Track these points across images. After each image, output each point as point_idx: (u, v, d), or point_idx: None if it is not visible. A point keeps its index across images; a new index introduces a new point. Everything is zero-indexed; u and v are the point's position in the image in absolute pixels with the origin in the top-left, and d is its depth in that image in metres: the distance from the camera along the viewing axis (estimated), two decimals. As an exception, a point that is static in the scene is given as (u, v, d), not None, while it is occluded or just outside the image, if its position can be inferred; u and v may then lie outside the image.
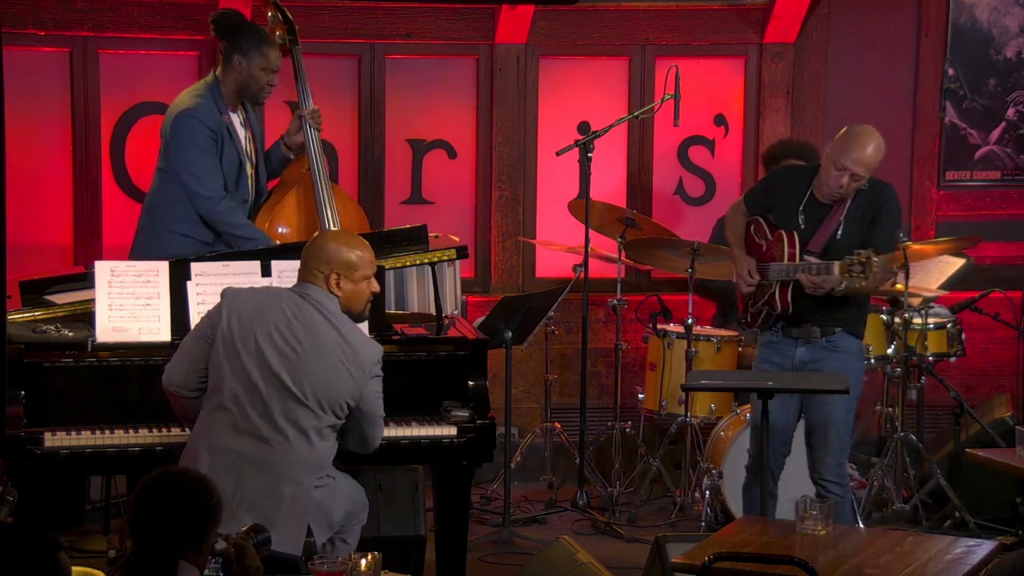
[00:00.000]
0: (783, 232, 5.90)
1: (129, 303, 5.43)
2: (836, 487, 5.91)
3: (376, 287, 5.17)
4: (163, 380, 5.09)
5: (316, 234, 5.21)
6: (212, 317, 5.03)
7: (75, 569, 4.66)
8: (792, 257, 5.86)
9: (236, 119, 6.44)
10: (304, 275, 5.07)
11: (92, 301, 5.46)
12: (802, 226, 5.89)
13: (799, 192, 5.94)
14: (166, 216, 6.38)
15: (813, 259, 5.81)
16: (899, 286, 7.01)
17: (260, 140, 6.61)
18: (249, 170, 6.48)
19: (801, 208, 5.91)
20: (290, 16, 6.58)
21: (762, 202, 6.05)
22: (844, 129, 5.88)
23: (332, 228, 6.43)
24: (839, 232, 5.86)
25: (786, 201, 5.96)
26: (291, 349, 4.92)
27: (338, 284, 5.03)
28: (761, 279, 5.93)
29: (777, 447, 5.91)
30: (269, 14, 6.61)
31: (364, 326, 5.39)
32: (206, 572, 3.68)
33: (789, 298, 5.86)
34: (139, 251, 6.41)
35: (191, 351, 5.04)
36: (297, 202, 6.57)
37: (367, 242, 5.17)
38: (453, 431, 5.47)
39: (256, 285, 5.41)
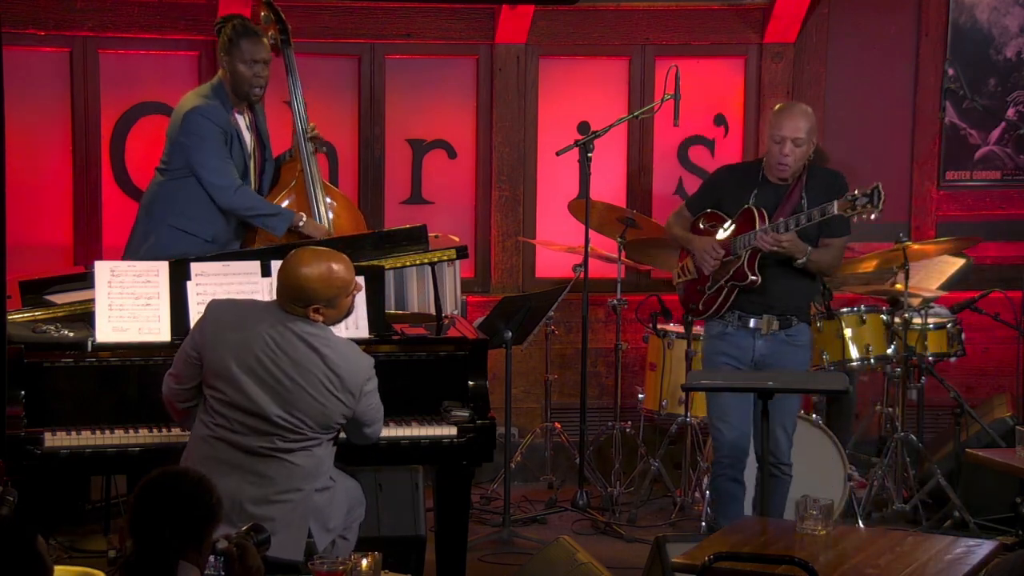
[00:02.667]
0: (750, 207, 5.97)
1: (129, 303, 5.42)
2: (790, 468, 6.08)
3: (360, 286, 5.10)
4: (163, 391, 5.05)
5: (287, 258, 5.01)
6: (195, 338, 4.93)
7: (75, 569, 4.68)
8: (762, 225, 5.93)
9: (242, 122, 6.47)
10: (282, 304, 4.89)
11: (92, 301, 5.45)
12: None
13: (748, 180, 6.06)
14: (163, 212, 6.42)
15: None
16: (899, 286, 7.01)
17: (266, 142, 6.62)
18: (252, 173, 6.51)
19: (754, 192, 6.00)
20: (283, 16, 6.60)
21: (705, 203, 6.17)
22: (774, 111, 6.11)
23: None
24: (804, 203, 5.95)
25: (735, 190, 6.07)
26: (278, 383, 4.83)
27: (319, 313, 4.87)
28: (727, 255, 5.97)
29: (745, 441, 6.02)
30: (262, 14, 6.64)
31: (363, 324, 5.39)
32: (206, 572, 3.68)
33: (756, 266, 5.94)
34: (133, 248, 6.45)
35: (183, 372, 4.97)
36: (290, 205, 6.57)
37: (341, 256, 4.96)
38: (453, 431, 5.46)
39: (256, 287, 5.41)
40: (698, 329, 6.94)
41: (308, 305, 4.86)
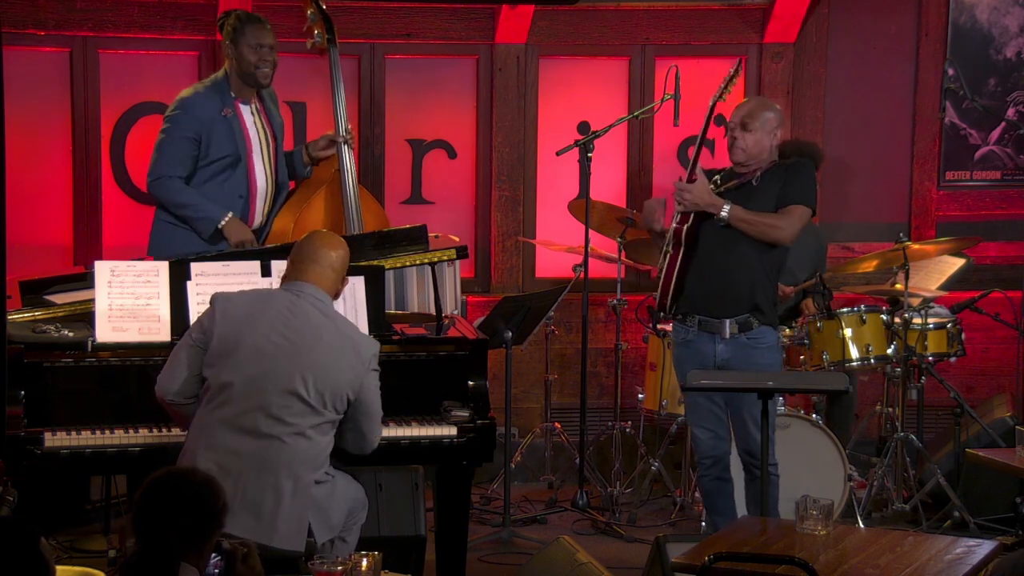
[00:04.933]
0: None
1: (129, 303, 5.43)
2: (776, 468, 6.01)
3: (346, 280, 5.23)
4: (157, 390, 5.05)
5: (311, 236, 5.16)
6: (203, 324, 5.01)
7: (75, 569, 4.68)
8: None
9: (247, 110, 6.51)
10: (303, 275, 5.03)
11: (92, 301, 5.45)
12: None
13: (719, 170, 6.08)
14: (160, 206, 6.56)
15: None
16: (899, 286, 7.02)
17: (278, 132, 6.65)
18: (257, 162, 6.53)
19: (720, 172, 6.04)
20: (329, 15, 6.61)
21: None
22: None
23: (356, 230, 6.47)
24: (755, 180, 5.97)
25: (707, 173, 6.05)
26: (289, 343, 4.91)
27: (343, 284, 5.13)
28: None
29: (723, 442, 6.04)
30: (308, 12, 6.68)
31: (363, 324, 5.40)
32: (205, 572, 3.67)
33: (693, 233, 5.94)
34: (152, 244, 6.55)
35: (183, 360, 5.00)
36: (323, 202, 6.60)
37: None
38: (453, 431, 5.47)
39: (256, 286, 5.42)
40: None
41: (338, 276, 5.08)
